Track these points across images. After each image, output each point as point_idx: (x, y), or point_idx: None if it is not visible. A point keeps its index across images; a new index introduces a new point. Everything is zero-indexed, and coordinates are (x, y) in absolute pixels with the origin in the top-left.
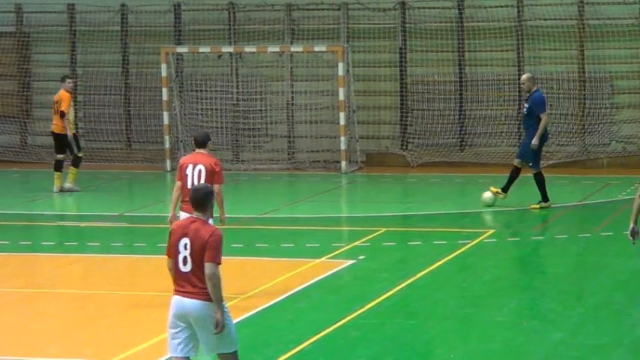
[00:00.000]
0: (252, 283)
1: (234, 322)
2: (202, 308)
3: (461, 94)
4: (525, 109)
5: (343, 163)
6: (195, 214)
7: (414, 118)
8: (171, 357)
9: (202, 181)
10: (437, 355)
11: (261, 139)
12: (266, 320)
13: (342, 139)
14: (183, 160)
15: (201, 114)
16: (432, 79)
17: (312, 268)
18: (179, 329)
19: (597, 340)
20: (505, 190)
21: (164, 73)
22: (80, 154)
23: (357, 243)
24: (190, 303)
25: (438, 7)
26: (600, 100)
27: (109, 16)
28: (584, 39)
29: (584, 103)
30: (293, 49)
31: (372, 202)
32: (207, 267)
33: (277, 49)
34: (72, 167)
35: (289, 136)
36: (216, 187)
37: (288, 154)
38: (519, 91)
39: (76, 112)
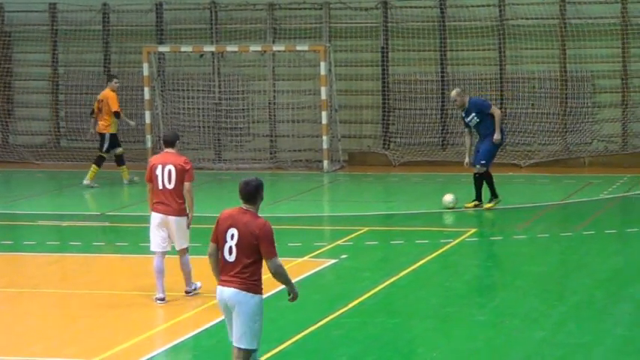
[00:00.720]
0: None
1: (218, 320)
2: (237, 296)
3: (443, 93)
4: (475, 117)
5: (325, 163)
6: (245, 207)
7: (395, 117)
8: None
9: (173, 180)
10: (419, 354)
11: (244, 138)
12: None
13: (324, 138)
14: (152, 160)
15: (183, 113)
16: (414, 78)
17: (295, 268)
18: (226, 317)
19: (579, 339)
20: (479, 199)
21: (146, 73)
22: (105, 155)
23: (339, 242)
24: (228, 291)
25: (420, 7)
26: (582, 99)
27: (91, 16)
28: (566, 38)
29: (566, 102)
30: (275, 48)
31: (354, 201)
32: (269, 264)
33: (259, 49)
34: (94, 165)
35: (271, 136)
36: (186, 185)
37: (271, 154)
38: (502, 90)
39: None
